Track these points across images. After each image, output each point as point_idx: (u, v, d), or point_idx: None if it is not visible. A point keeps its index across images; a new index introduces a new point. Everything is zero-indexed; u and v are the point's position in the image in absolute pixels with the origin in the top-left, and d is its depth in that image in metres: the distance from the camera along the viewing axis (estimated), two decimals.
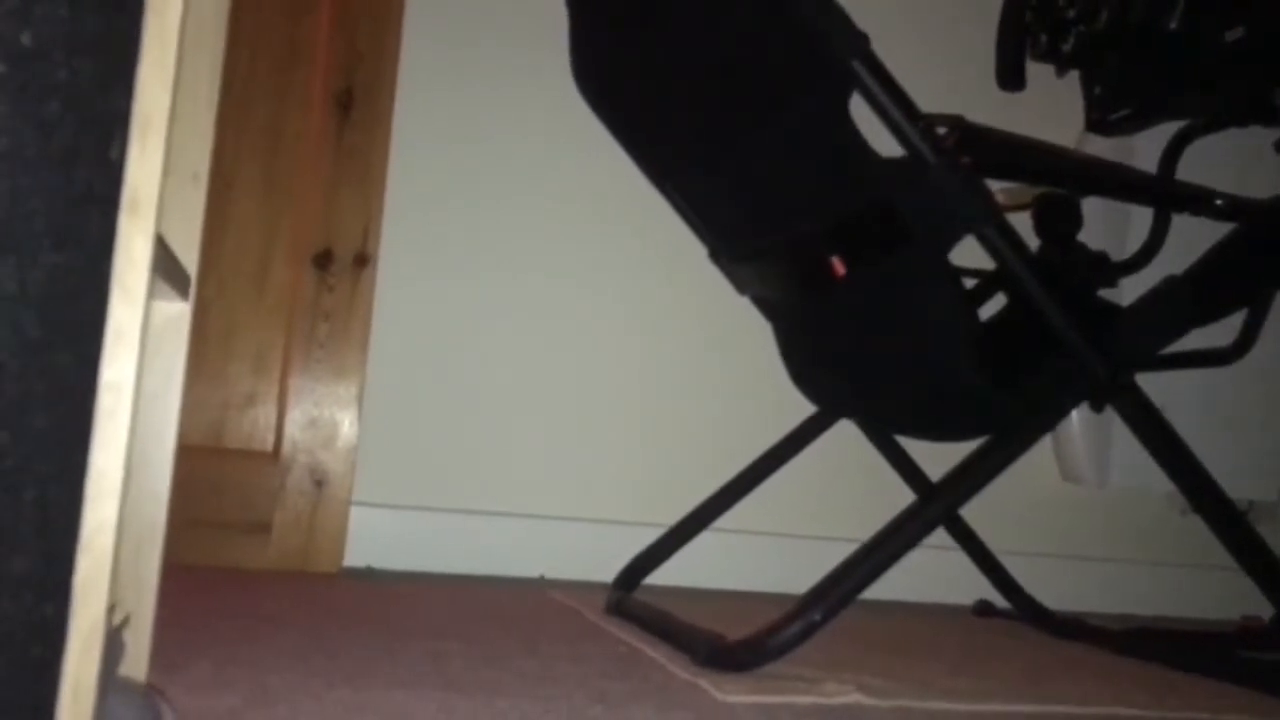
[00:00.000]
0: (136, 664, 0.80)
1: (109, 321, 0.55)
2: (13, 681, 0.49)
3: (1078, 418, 1.87)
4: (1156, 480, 1.35)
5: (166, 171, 0.60)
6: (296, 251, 1.68)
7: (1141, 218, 1.62)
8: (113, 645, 0.70)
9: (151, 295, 0.62)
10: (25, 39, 0.38)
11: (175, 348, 0.83)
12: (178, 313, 0.83)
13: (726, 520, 1.61)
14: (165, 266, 0.71)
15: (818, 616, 1.14)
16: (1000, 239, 1.17)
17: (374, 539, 1.71)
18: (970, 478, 1.24)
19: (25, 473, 0.40)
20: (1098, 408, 1.35)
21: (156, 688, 0.79)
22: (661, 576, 1.59)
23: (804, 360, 1.48)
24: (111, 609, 0.63)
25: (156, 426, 0.84)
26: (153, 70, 0.58)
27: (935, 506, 1.27)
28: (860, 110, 1.12)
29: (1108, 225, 1.77)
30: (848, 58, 1.09)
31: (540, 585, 1.72)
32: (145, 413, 0.83)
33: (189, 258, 0.85)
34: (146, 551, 0.83)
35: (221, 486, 1.64)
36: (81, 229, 0.48)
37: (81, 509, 0.54)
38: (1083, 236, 1.52)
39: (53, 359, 0.43)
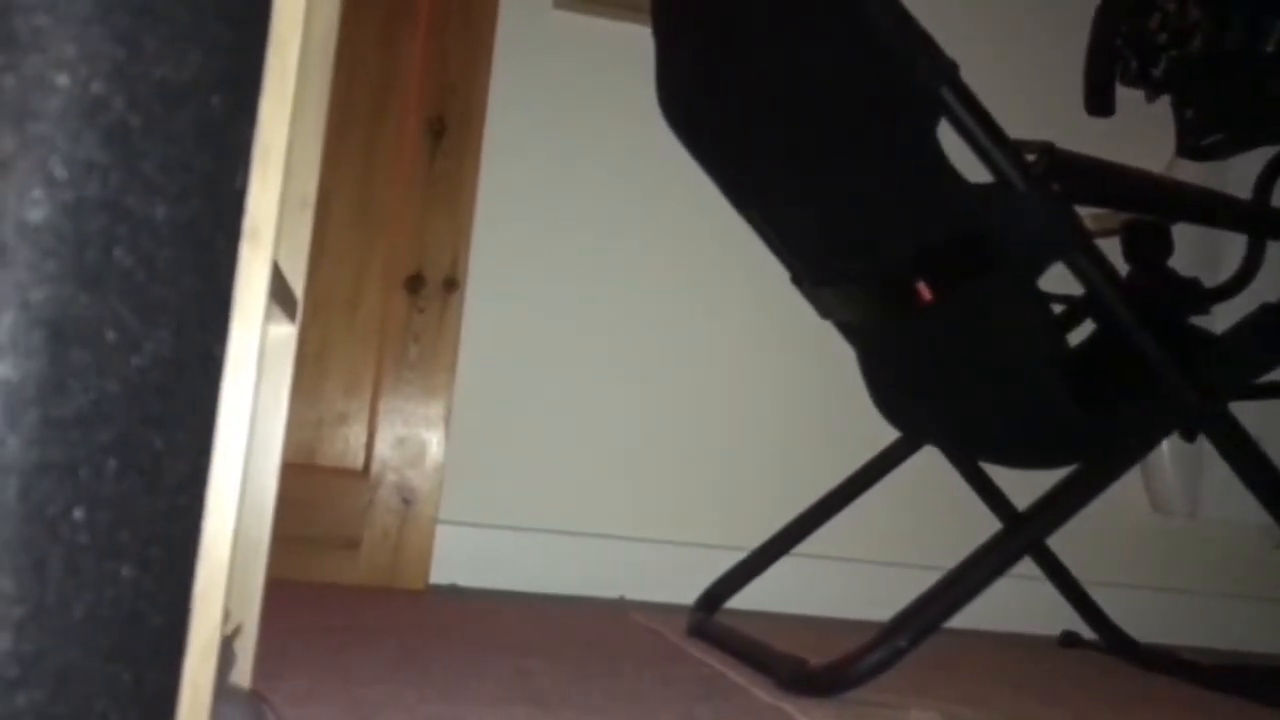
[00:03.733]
0: (242, 672, 0.83)
1: (230, 344, 0.58)
2: (137, 686, 0.52)
3: (1169, 447, 1.84)
4: (1250, 511, 1.33)
5: (281, 199, 0.63)
6: (388, 275, 1.73)
7: (1235, 243, 1.59)
8: (225, 653, 0.73)
9: (267, 319, 0.66)
10: (164, 77, 0.41)
11: (282, 368, 0.87)
12: (286, 335, 0.86)
13: (808, 545, 1.61)
14: (278, 290, 0.74)
15: (903, 643, 1.14)
16: (1090, 265, 1.16)
17: (459, 557, 1.74)
18: (1058, 507, 1.23)
19: (158, 486, 0.43)
20: (1189, 437, 1.33)
21: (262, 695, 0.82)
22: (742, 600, 1.60)
23: (888, 386, 1.48)
24: (225, 618, 0.66)
25: (263, 444, 0.87)
26: (273, 104, 0.62)
27: (1022, 535, 1.26)
28: (948, 134, 1.12)
29: (1199, 250, 1.74)
30: (936, 85, 1.10)
31: (620, 606, 1.74)
32: (254, 430, 0.86)
33: (296, 281, 0.88)
34: (252, 565, 0.86)
35: (313, 503, 1.68)
36: (209, 257, 0.51)
37: (202, 520, 0.56)
38: (1174, 262, 1.50)
39: (182, 379, 0.46)
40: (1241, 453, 1.26)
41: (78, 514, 0.32)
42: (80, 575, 0.34)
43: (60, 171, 0.30)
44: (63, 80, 0.32)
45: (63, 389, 0.31)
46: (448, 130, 1.75)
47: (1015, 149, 1.12)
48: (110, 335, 0.33)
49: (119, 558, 0.39)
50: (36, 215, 0.29)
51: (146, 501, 0.42)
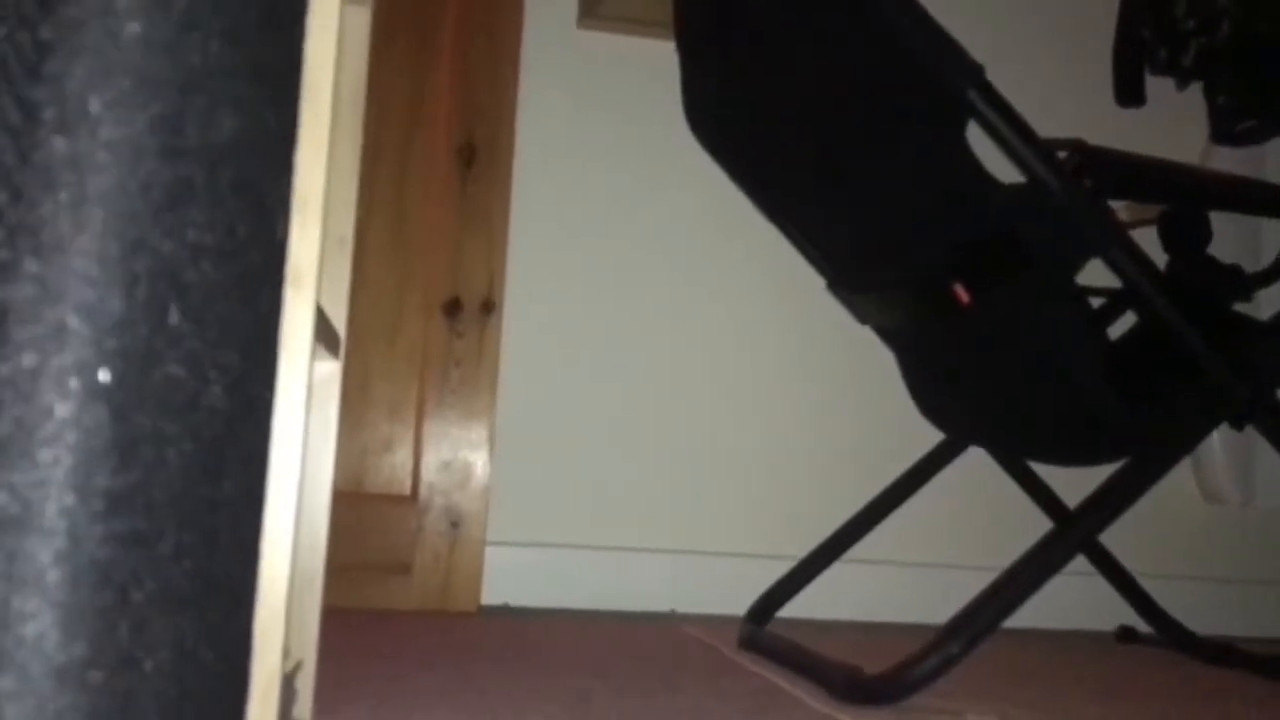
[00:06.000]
0: (303, 707, 0.84)
1: (278, 389, 0.59)
2: None
3: (1218, 436, 1.81)
4: None
5: (321, 243, 0.64)
6: (426, 301, 1.75)
7: (1275, 227, 1.58)
8: (286, 691, 0.74)
9: (313, 360, 0.67)
10: (206, 143, 0.42)
11: (328, 404, 0.88)
12: (330, 371, 0.88)
13: (857, 551, 1.60)
14: (321, 331, 0.75)
15: (957, 649, 1.13)
16: (1127, 260, 1.16)
17: (509, 577, 1.75)
18: (1109, 503, 1.22)
19: (215, 539, 0.44)
20: (1239, 426, 1.32)
21: None
22: (793, 609, 1.60)
23: (930, 389, 1.47)
24: (285, 655, 0.67)
25: (313, 479, 0.89)
26: (309, 154, 0.63)
27: (1074, 533, 1.25)
28: (978, 134, 1.12)
29: (1239, 237, 1.72)
30: (963, 88, 1.09)
31: (672, 620, 1.74)
32: (304, 469, 0.87)
33: (338, 318, 0.90)
34: (308, 600, 0.87)
35: (363, 530, 1.70)
36: (256, 309, 0.52)
37: (258, 565, 0.58)
38: (1214, 249, 1.48)
39: (235, 430, 0.47)
40: None
41: (143, 577, 0.33)
42: (146, 633, 0.36)
43: (114, 248, 0.31)
44: (108, 158, 0.33)
45: (125, 459, 0.32)
46: (478, 154, 1.77)
47: (1046, 147, 1.11)
48: (168, 402, 0.34)
49: (182, 612, 0.40)
50: (92, 295, 0.30)
51: (204, 554, 0.43)
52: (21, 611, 0.29)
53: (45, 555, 0.29)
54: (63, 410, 0.29)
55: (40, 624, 0.29)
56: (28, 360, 0.29)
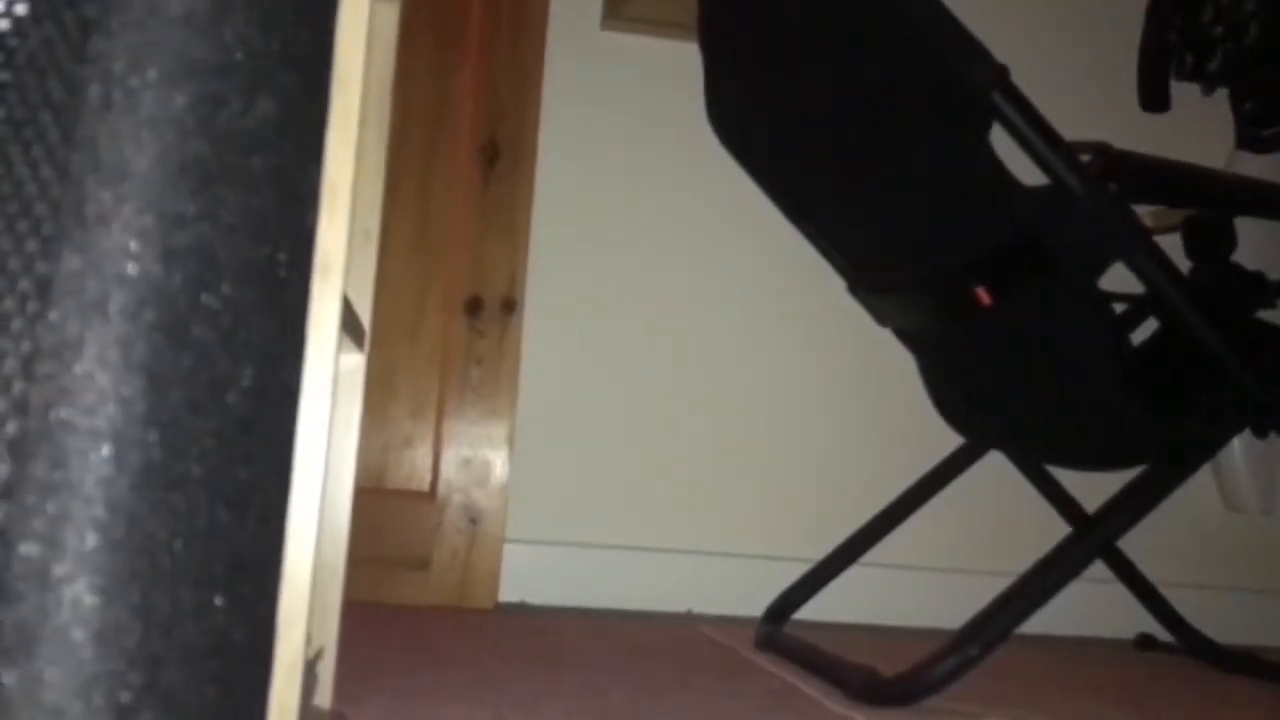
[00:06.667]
0: (323, 694, 0.85)
1: (306, 376, 0.60)
2: (230, 709, 0.54)
3: (1240, 444, 1.80)
4: None
5: (349, 233, 0.65)
6: (448, 299, 1.76)
7: None
8: (308, 675, 0.75)
9: (339, 349, 0.68)
10: (241, 127, 0.43)
11: (353, 396, 0.89)
12: (355, 363, 0.89)
13: (875, 554, 1.60)
14: (347, 321, 0.76)
15: (975, 651, 1.13)
16: (1151, 265, 1.15)
17: (527, 575, 1.76)
18: (1129, 509, 1.22)
19: (245, 517, 0.45)
20: (1261, 433, 1.31)
21: (344, 715, 0.84)
22: (810, 611, 1.60)
23: (950, 392, 1.47)
24: (307, 641, 0.68)
25: (336, 470, 0.89)
26: (338, 144, 0.64)
27: (1093, 539, 1.25)
28: (1002, 137, 1.12)
29: (1263, 243, 1.71)
30: (987, 91, 1.10)
31: (688, 620, 1.74)
32: (329, 458, 0.88)
33: (364, 311, 0.91)
34: (330, 589, 0.88)
35: (383, 525, 1.71)
36: (286, 294, 0.53)
37: (284, 548, 0.58)
38: (1237, 255, 1.48)
39: (265, 412, 0.48)
40: None
41: (178, 548, 0.34)
42: (179, 606, 0.36)
43: (153, 223, 0.32)
44: (150, 136, 0.33)
45: (163, 431, 0.33)
46: (501, 154, 1.78)
47: (1070, 150, 1.11)
48: (203, 378, 0.35)
49: (212, 588, 0.41)
50: (133, 269, 0.31)
51: (235, 532, 0.44)
52: (60, 576, 0.30)
53: (84, 521, 0.30)
54: (103, 380, 0.30)
55: (77, 588, 0.30)
56: (70, 331, 0.30)
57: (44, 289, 0.29)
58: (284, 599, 0.60)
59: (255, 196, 0.44)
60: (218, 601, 0.42)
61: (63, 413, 0.30)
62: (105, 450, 0.30)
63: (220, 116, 0.36)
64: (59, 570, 0.30)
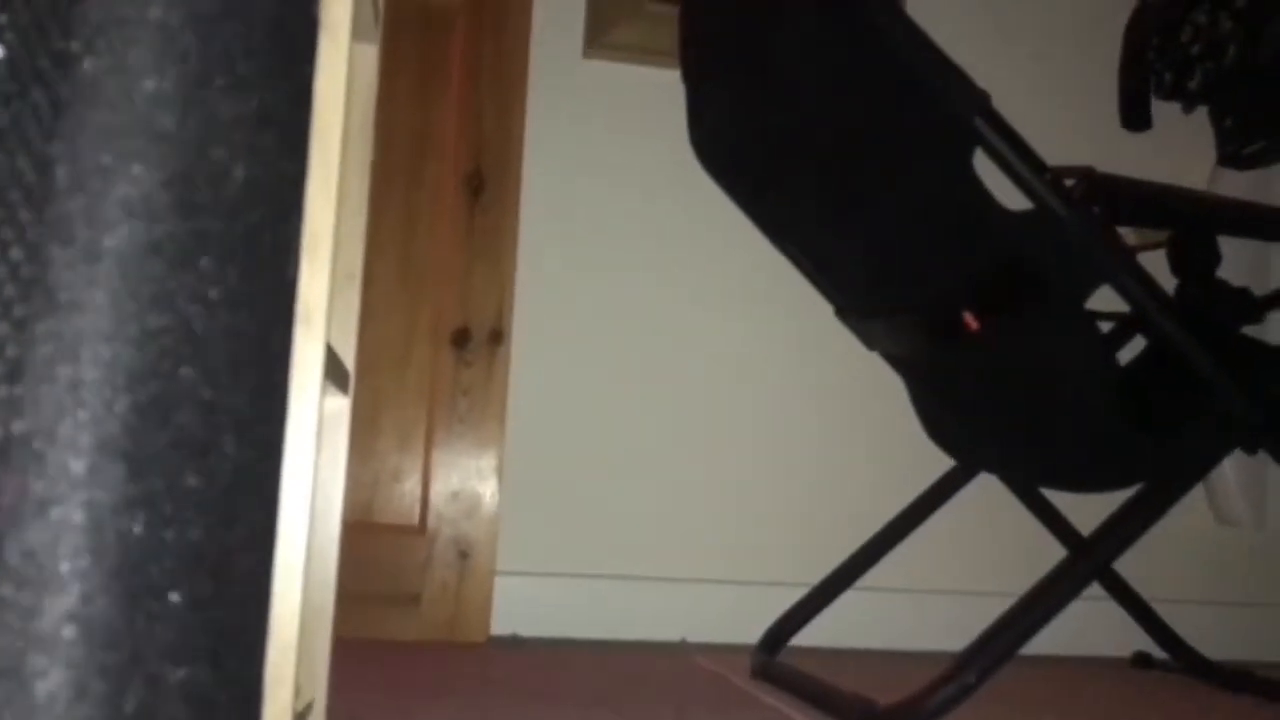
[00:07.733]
0: None
1: (288, 430, 0.59)
2: None
3: (1231, 459, 1.80)
4: None
5: (331, 280, 0.64)
6: (435, 331, 1.75)
7: None
8: None
9: (323, 396, 0.67)
10: (217, 196, 0.42)
11: (338, 440, 0.88)
12: (339, 407, 0.88)
13: (869, 579, 1.59)
14: (331, 369, 0.75)
15: (972, 679, 1.13)
16: (1136, 286, 1.15)
17: (518, 607, 1.74)
18: (1124, 529, 1.21)
19: (228, 585, 0.44)
20: (1252, 450, 1.31)
21: None
22: (805, 637, 1.59)
23: (940, 416, 1.47)
24: (295, 694, 0.67)
25: (323, 514, 0.88)
26: (319, 194, 0.63)
27: (1089, 562, 1.24)
28: (986, 162, 1.12)
29: (1248, 259, 1.72)
30: (969, 117, 1.10)
31: (682, 649, 1.73)
32: (314, 506, 0.87)
33: (347, 354, 0.90)
34: (318, 635, 0.87)
35: (372, 560, 1.70)
36: (266, 352, 0.52)
37: (269, 609, 0.57)
38: (1223, 272, 1.48)
39: (246, 476, 0.47)
40: None
41: (157, 631, 0.33)
42: (160, 685, 0.35)
43: (128, 306, 0.31)
44: (121, 215, 0.33)
45: (143, 508, 0.32)
46: (486, 185, 1.77)
47: (1053, 174, 1.11)
48: (181, 452, 0.34)
49: (195, 661, 0.40)
50: (106, 351, 0.30)
51: (218, 603, 0.43)
52: (34, 670, 0.29)
53: (58, 613, 0.29)
54: (78, 467, 0.29)
55: (51, 683, 0.29)
56: (43, 417, 0.29)
57: (15, 373, 0.29)
58: (270, 658, 0.59)
59: (233, 264, 0.43)
60: (202, 676, 0.41)
61: (36, 503, 0.29)
62: (80, 539, 0.30)
63: (196, 189, 0.35)
64: (32, 661, 0.29)
